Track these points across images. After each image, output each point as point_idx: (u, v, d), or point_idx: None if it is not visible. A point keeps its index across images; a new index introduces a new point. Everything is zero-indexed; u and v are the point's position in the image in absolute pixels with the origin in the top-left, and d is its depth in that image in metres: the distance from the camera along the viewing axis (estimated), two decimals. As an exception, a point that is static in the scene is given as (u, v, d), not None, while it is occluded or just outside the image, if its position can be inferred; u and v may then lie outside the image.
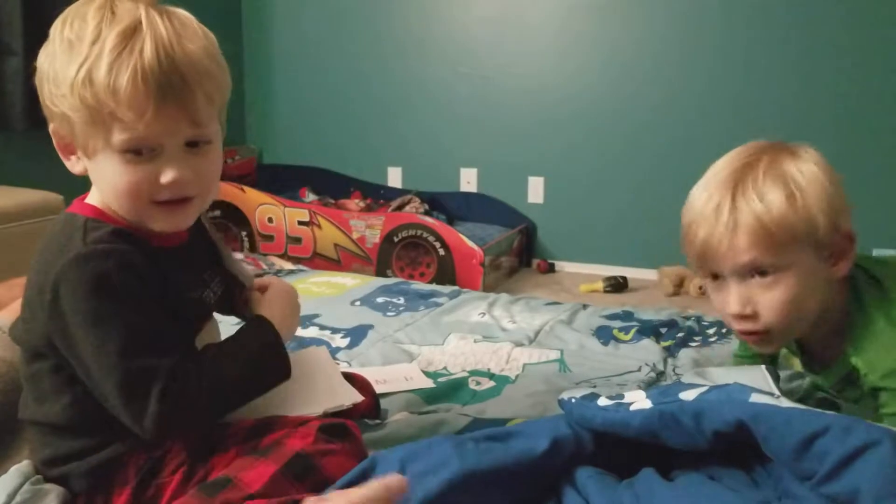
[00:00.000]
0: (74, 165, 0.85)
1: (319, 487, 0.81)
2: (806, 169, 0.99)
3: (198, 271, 0.94)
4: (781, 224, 0.96)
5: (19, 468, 0.87)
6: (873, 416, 0.95)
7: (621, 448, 0.89)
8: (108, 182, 0.82)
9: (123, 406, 0.80)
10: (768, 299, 0.99)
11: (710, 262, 1.02)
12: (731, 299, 1.02)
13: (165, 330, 0.84)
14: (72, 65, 0.77)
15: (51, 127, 0.83)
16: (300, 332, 1.61)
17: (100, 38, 0.77)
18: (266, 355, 0.92)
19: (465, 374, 1.39)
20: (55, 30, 0.81)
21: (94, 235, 0.81)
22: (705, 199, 1.02)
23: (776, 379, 0.91)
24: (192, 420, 0.84)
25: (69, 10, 0.82)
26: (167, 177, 0.81)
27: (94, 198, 0.87)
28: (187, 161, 0.82)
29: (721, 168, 1.04)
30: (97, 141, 0.80)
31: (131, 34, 0.78)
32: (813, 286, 0.99)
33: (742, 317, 1.01)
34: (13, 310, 1.07)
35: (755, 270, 0.99)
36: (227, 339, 0.93)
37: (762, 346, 1.06)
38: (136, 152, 0.80)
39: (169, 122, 0.79)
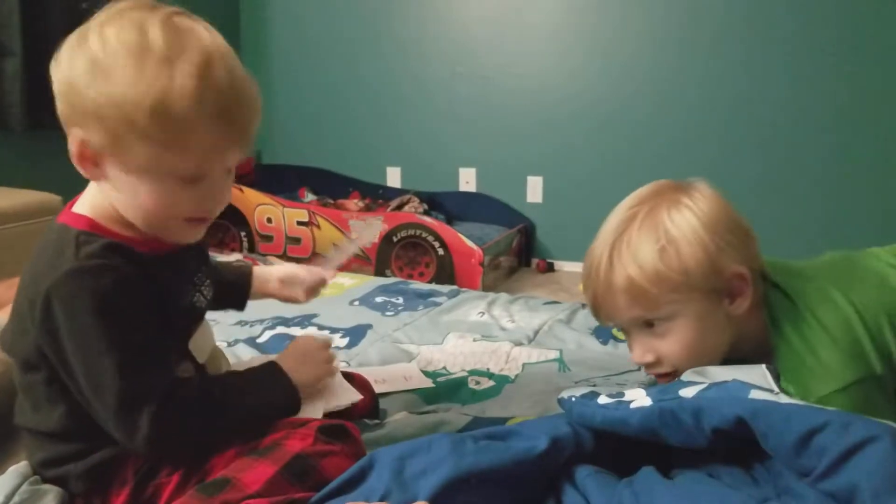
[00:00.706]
0: (93, 174, 0.81)
1: (319, 489, 0.81)
2: (679, 218, 0.98)
3: (189, 275, 0.93)
4: (655, 281, 0.97)
5: (17, 468, 0.87)
6: None
7: (620, 446, 0.89)
8: (138, 197, 0.80)
9: (115, 426, 0.79)
10: (666, 346, 1.02)
11: (602, 318, 1.06)
12: (633, 349, 1.05)
13: (160, 348, 0.84)
14: (138, 85, 0.74)
15: (77, 133, 0.78)
16: (299, 331, 1.61)
17: (170, 61, 0.74)
18: (275, 408, 0.91)
19: (465, 373, 1.39)
20: (102, 33, 0.76)
21: (87, 250, 0.79)
22: (591, 256, 1.05)
23: (776, 377, 0.92)
24: (183, 443, 0.83)
25: (120, 14, 0.77)
26: (210, 202, 0.83)
27: (84, 207, 0.85)
28: (223, 185, 0.84)
29: (611, 219, 1.06)
30: (145, 160, 0.77)
31: (206, 64, 0.76)
32: (710, 325, 1.00)
33: (647, 364, 1.04)
34: (10, 311, 1.06)
35: (644, 323, 1.01)
36: (240, 377, 0.92)
37: None
38: (185, 177, 0.80)
39: (226, 152, 0.81)
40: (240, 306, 1.17)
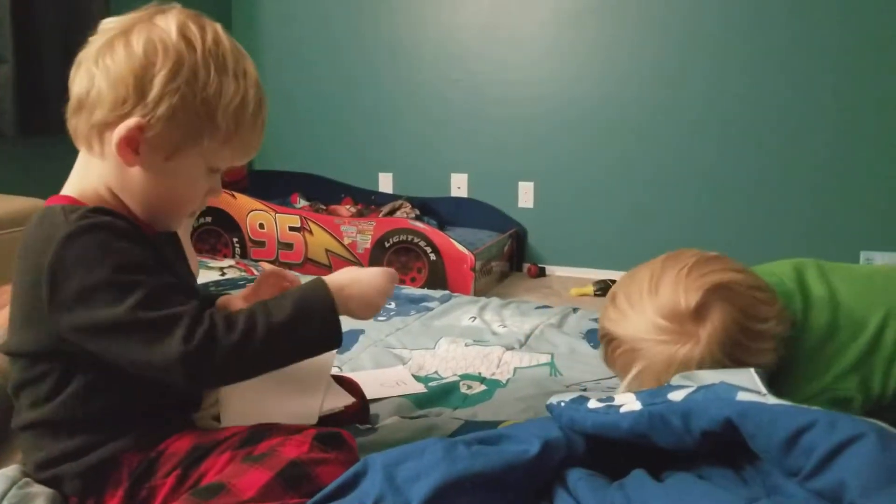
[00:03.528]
0: (130, 159, 0.84)
1: (313, 496, 0.81)
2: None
3: (184, 260, 0.97)
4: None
5: (5, 472, 0.87)
6: None
7: (612, 449, 0.89)
8: (164, 184, 0.86)
9: (150, 360, 0.79)
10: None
11: None
12: None
13: (174, 283, 0.85)
14: (228, 85, 0.84)
15: (135, 120, 0.82)
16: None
17: (241, 70, 0.86)
18: (311, 318, 0.85)
19: (457, 378, 1.39)
20: (196, 37, 0.84)
21: (76, 214, 0.82)
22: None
23: (765, 381, 0.92)
24: (220, 366, 0.80)
25: (203, 24, 0.86)
26: (213, 194, 0.92)
27: (66, 191, 0.88)
28: (219, 182, 0.93)
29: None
30: (196, 150, 0.85)
31: (255, 74, 0.89)
32: None
33: None
34: (5, 316, 1.06)
35: None
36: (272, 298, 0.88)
37: None
38: (212, 168, 0.89)
39: (250, 152, 0.92)
40: None
